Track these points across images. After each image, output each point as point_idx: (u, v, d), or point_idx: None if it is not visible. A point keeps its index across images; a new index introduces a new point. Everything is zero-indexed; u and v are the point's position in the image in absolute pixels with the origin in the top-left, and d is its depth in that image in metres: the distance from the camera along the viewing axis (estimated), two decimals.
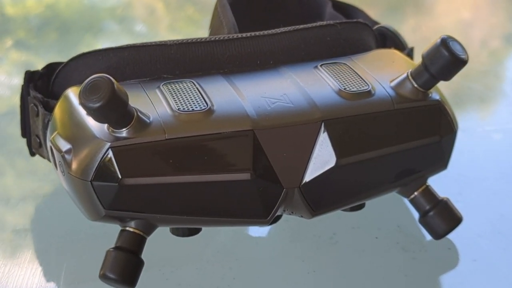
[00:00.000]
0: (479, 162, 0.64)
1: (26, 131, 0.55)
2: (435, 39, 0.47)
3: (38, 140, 0.53)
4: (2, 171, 0.64)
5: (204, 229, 0.48)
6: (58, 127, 0.46)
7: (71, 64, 0.51)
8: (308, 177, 0.45)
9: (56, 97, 0.49)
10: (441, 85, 0.49)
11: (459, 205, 0.51)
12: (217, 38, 0.51)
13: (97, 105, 0.40)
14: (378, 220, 0.54)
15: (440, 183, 0.53)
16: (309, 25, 0.53)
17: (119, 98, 0.41)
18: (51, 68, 0.54)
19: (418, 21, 1.09)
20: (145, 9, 1.16)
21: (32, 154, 0.56)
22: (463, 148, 0.63)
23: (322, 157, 0.45)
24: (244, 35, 0.51)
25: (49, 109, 0.50)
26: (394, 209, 0.55)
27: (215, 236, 0.52)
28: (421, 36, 0.99)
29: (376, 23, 0.64)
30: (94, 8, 1.16)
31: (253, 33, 0.52)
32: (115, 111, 0.41)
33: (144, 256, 0.45)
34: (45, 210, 0.58)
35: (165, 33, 1.04)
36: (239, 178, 0.44)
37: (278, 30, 0.52)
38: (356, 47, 0.54)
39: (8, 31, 1.05)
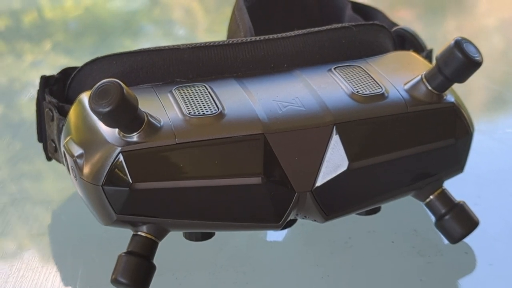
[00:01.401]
0: (498, 165, 0.63)
1: (42, 135, 0.55)
2: (449, 41, 0.46)
3: (54, 145, 0.53)
4: (26, 176, 0.65)
5: (218, 233, 0.48)
6: (71, 132, 0.46)
7: (86, 69, 0.51)
8: (320, 181, 0.45)
9: (72, 102, 0.49)
10: (473, 86, 0.48)
11: (477, 208, 0.50)
12: (230, 42, 0.51)
13: (106, 110, 0.40)
14: (395, 224, 0.54)
15: (458, 186, 0.52)
16: (324, 27, 0.53)
17: (129, 102, 0.41)
18: (66, 73, 0.54)
19: (460, 21, 1.07)
20: (183, 11, 1.16)
21: (49, 158, 0.56)
22: (482, 150, 0.62)
23: (334, 161, 0.45)
24: (257, 38, 0.51)
25: (64, 113, 0.50)
26: (411, 212, 0.54)
27: (229, 241, 0.52)
28: (462, 36, 0.97)
29: (395, 24, 0.63)
30: (132, 11, 1.16)
31: (266, 36, 0.51)
32: (124, 115, 0.41)
33: (157, 260, 0.45)
34: (61, 214, 0.58)
35: (203, 35, 1.04)
36: (250, 182, 0.44)
37: (292, 33, 0.52)
38: (372, 50, 0.53)
39: (47, 34, 1.05)
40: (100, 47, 0.99)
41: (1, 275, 0.50)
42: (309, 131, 0.45)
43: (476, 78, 0.49)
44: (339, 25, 0.53)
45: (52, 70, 0.52)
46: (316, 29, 0.52)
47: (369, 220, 0.51)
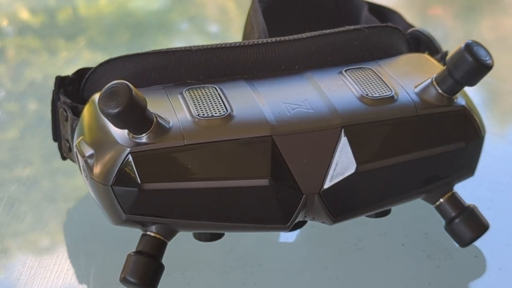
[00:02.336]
0: None
1: (57, 135, 0.56)
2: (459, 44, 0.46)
3: (68, 145, 0.53)
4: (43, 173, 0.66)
5: (228, 234, 0.48)
6: (83, 132, 0.47)
7: (99, 70, 0.52)
8: (328, 183, 0.45)
9: (86, 103, 0.50)
10: (489, 88, 0.48)
11: (489, 212, 0.50)
12: (242, 44, 0.51)
13: (115, 111, 0.41)
14: (406, 226, 0.54)
15: (471, 189, 0.52)
16: (336, 29, 0.53)
17: (137, 104, 0.41)
18: (81, 73, 0.55)
19: (496, 20, 1.06)
20: (217, 9, 1.17)
21: (63, 158, 0.56)
22: (497, 154, 0.62)
23: (342, 163, 0.45)
24: (269, 40, 0.51)
25: (78, 114, 0.51)
26: (422, 215, 0.54)
27: (239, 241, 0.52)
28: (498, 35, 0.96)
29: (410, 26, 0.63)
30: (166, 8, 1.17)
31: (278, 38, 0.51)
32: (133, 117, 0.42)
33: (166, 260, 0.45)
34: (74, 213, 0.58)
35: (236, 34, 1.04)
36: (258, 184, 0.44)
37: (304, 35, 0.52)
38: (385, 52, 0.53)
39: (81, 31, 1.06)
40: (133, 44, 1.00)
41: (14, 272, 0.51)
42: (317, 133, 0.45)
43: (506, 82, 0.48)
44: (352, 27, 0.53)
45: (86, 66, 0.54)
46: (328, 31, 0.52)
47: (380, 222, 0.51)
